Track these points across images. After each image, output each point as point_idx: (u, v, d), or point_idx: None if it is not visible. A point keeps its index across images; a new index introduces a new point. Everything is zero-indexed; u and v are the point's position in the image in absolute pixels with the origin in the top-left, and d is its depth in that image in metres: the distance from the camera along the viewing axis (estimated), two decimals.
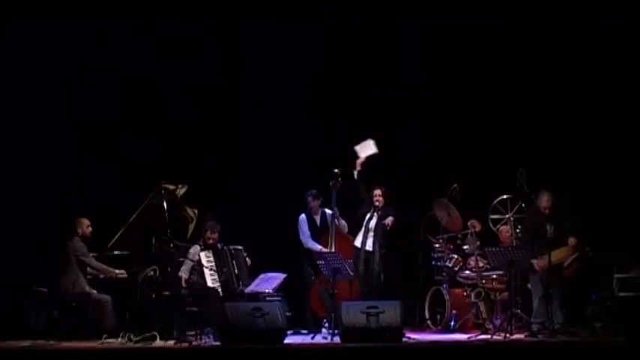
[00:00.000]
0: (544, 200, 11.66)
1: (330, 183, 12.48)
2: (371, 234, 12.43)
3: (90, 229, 12.03)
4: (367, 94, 13.62)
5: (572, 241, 11.59)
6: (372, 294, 12.03)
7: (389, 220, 12.35)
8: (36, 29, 13.03)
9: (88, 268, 11.94)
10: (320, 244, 12.59)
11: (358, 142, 12.66)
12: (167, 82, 13.38)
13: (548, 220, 11.66)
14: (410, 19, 13.16)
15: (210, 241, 11.99)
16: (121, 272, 11.93)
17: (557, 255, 11.48)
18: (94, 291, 11.84)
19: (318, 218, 12.82)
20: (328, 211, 12.79)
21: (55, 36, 13.08)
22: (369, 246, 12.41)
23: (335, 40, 13.49)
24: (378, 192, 12.50)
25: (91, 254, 11.96)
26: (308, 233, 12.72)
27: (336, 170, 12.48)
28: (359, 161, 12.53)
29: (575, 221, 11.72)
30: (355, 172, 12.51)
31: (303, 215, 12.82)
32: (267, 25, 13.32)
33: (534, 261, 11.53)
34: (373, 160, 13.14)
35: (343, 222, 12.65)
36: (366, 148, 12.57)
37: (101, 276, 11.97)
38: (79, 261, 11.84)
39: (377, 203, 12.49)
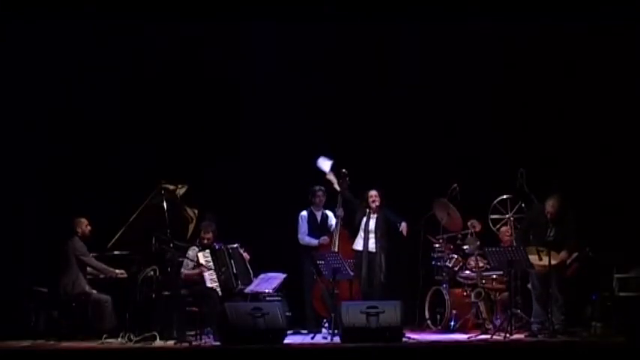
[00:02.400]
0: (549, 204, 11.63)
1: (339, 182, 12.51)
2: (372, 235, 12.45)
3: (89, 228, 12.03)
4: (367, 94, 13.62)
5: (563, 254, 11.57)
6: (374, 294, 12.05)
7: (404, 227, 12.37)
8: (36, 29, 13.02)
9: (88, 268, 11.94)
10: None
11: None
12: (167, 81, 13.37)
13: (551, 223, 11.65)
14: (410, 19, 13.15)
15: (205, 241, 12.01)
16: (120, 272, 11.93)
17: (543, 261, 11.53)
18: (94, 291, 11.84)
19: (319, 215, 12.87)
20: (329, 213, 12.82)
21: (55, 36, 13.06)
22: (371, 247, 12.43)
23: (335, 40, 13.48)
24: (374, 193, 12.52)
25: (91, 254, 11.97)
26: (306, 230, 12.80)
27: (343, 170, 12.52)
28: (329, 177, 12.57)
29: (579, 236, 11.72)
30: (336, 186, 12.53)
31: (304, 212, 12.88)
32: (267, 25, 13.32)
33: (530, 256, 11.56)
34: (373, 160, 13.22)
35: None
36: (324, 165, 12.61)
37: (101, 276, 11.97)
38: (79, 260, 11.84)
39: (373, 204, 12.51)
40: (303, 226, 12.85)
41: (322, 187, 12.84)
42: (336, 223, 12.71)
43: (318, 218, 12.90)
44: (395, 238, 12.52)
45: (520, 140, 13.36)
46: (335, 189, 12.63)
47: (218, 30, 13.34)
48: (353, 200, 12.60)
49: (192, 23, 13.13)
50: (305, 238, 12.81)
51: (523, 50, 13.46)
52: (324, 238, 12.70)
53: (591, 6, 12.65)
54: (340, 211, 12.63)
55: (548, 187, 11.99)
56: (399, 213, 12.57)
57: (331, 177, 12.63)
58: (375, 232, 12.45)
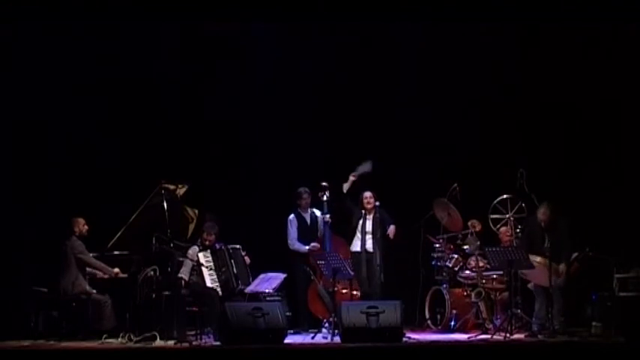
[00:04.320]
0: (540, 212, 11.66)
1: (319, 194, 12.53)
2: (369, 236, 12.45)
3: (86, 227, 12.03)
4: (367, 94, 13.60)
5: (561, 267, 11.57)
6: (374, 294, 12.05)
7: (391, 230, 12.37)
8: (36, 29, 13.01)
9: (88, 268, 11.93)
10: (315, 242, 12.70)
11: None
12: (167, 81, 13.37)
13: (545, 232, 11.65)
14: (410, 19, 13.13)
15: (207, 242, 12.00)
16: (117, 271, 11.90)
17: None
18: (94, 291, 11.85)
19: (307, 216, 12.85)
20: (317, 212, 12.80)
21: (54, 36, 13.05)
22: (369, 248, 12.42)
23: (335, 41, 13.47)
24: (368, 194, 12.51)
25: (91, 254, 11.96)
26: (295, 236, 12.76)
27: (324, 183, 12.51)
28: (352, 175, 12.51)
29: (573, 241, 11.74)
30: (345, 185, 12.50)
31: (292, 216, 12.84)
32: (267, 25, 13.31)
33: (526, 271, 11.57)
34: (373, 160, 13.21)
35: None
36: (364, 167, 12.55)
37: (98, 275, 11.97)
38: (78, 259, 11.83)
39: (368, 206, 12.50)
40: (292, 232, 12.79)
41: (307, 189, 12.79)
42: (324, 229, 12.68)
43: (308, 220, 12.86)
44: (393, 238, 12.52)
45: (520, 140, 13.36)
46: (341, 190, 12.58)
47: (218, 30, 13.34)
48: (350, 205, 12.58)
49: (193, 23, 13.12)
50: (295, 244, 12.76)
51: (523, 51, 13.46)
52: (314, 245, 12.66)
53: (591, 6, 12.64)
54: (327, 217, 12.62)
55: (548, 188, 11.99)
56: (397, 213, 12.55)
57: (352, 178, 12.56)
58: (373, 233, 12.44)
